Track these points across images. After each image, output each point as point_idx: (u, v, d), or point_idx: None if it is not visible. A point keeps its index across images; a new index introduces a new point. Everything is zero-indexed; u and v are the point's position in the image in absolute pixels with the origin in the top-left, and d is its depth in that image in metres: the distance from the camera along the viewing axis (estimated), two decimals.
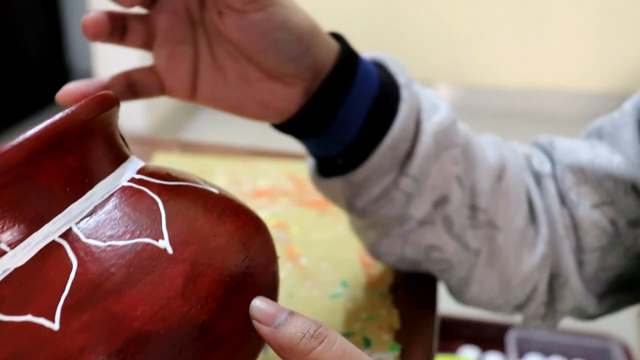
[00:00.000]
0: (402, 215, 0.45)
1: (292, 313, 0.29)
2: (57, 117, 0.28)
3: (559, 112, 2.89)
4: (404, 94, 0.43)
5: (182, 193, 0.31)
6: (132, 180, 0.31)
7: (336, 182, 0.44)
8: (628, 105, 0.47)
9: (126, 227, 0.28)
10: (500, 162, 0.48)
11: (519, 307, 0.52)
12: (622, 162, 0.46)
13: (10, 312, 0.26)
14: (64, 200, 0.28)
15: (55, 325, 0.25)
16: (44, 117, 0.31)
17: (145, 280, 0.26)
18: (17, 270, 0.27)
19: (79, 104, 0.29)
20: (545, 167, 0.51)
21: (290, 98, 0.41)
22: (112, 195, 0.29)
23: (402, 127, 0.42)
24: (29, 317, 0.26)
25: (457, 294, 0.52)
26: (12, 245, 0.27)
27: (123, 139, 0.33)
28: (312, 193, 0.68)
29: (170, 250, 0.28)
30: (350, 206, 0.45)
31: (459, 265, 0.48)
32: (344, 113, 0.41)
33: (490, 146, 0.50)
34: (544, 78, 2.88)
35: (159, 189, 0.30)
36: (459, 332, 1.32)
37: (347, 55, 0.41)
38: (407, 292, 0.53)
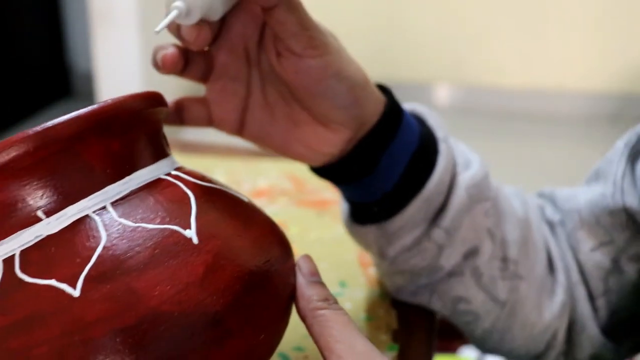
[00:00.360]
0: (433, 265, 0.46)
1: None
2: (109, 101, 0.30)
3: (559, 112, 2.89)
4: (442, 148, 0.44)
5: (214, 194, 0.33)
6: (170, 174, 0.32)
7: (370, 230, 0.45)
8: (620, 143, 0.48)
9: (157, 213, 0.29)
10: (525, 212, 0.50)
11: (538, 357, 0.52)
12: (614, 192, 0.47)
13: (36, 275, 0.27)
14: (103, 180, 0.30)
15: (76, 292, 0.27)
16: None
17: (168, 263, 0.28)
18: (48, 237, 0.28)
19: (132, 94, 0.31)
20: (556, 216, 0.52)
21: (334, 143, 0.42)
22: (148, 184, 0.31)
23: (439, 181, 0.43)
24: (52, 282, 0.27)
25: (479, 344, 0.52)
26: (48, 214, 0.29)
27: (165, 139, 0.35)
28: (311, 193, 0.68)
29: (195, 240, 0.29)
30: (382, 254, 0.46)
31: (485, 317, 0.48)
32: (386, 162, 0.42)
33: (515, 197, 0.51)
34: (544, 78, 2.88)
35: (193, 187, 0.32)
36: (459, 332, 1.32)
37: (393, 108, 0.43)
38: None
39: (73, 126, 0.29)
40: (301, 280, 0.34)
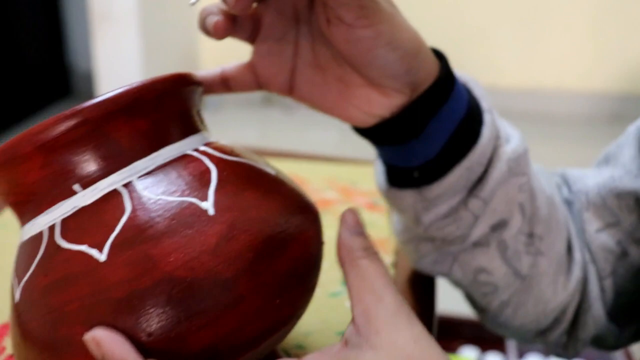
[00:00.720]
0: (466, 235, 0.46)
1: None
2: (135, 84, 0.32)
3: (559, 112, 2.89)
4: (487, 119, 0.44)
5: (237, 168, 0.35)
6: (196, 150, 0.35)
7: (408, 195, 0.44)
8: (631, 127, 0.48)
9: (178, 186, 0.32)
10: (550, 190, 0.50)
11: (543, 333, 0.52)
12: (623, 175, 0.47)
13: (72, 241, 0.31)
14: (131, 157, 0.33)
15: (103, 257, 0.30)
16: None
17: (183, 232, 0.30)
18: (83, 208, 0.32)
19: (157, 77, 0.33)
20: (569, 195, 0.53)
21: (387, 106, 0.41)
22: (174, 160, 0.33)
23: (481, 151, 0.43)
24: (84, 247, 0.31)
25: (492, 317, 0.52)
26: (83, 187, 0.32)
27: (200, 115, 0.38)
28: (313, 192, 0.68)
29: (211, 212, 0.31)
30: (418, 219, 0.45)
31: (504, 289, 0.48)
32: (433, 128, 0.42)
33: (541, 174, 0.51)
34: (544, 78, 2.88)
35: (218, 161, 0.34)
36: (458, 332, 1.32)
37: (446, 75, 0.42)
38: (406, 292, 0.53)
39: (100, 108, 0.31)
40: (344, 231, 0.34)
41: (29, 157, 0.31)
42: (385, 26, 0.37)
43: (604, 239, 0.49)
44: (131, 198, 0.31)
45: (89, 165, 0.32)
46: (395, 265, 0.58)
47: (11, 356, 0.45)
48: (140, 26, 2.29)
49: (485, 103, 0.45)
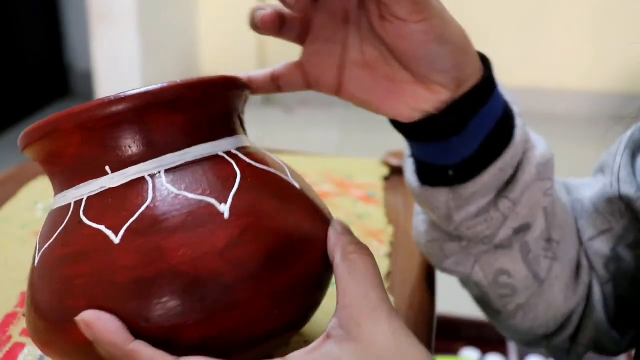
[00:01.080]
0: (495, 235, 0.46)
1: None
2: (179, 81, 0.34)
3: (559, 112, 2.89)
4: (518, 122, 0.45)
5: (263, 176, 0.35)
6: (227, 152, 0.35)
7: (442, 193, 0.45)
8: (623, 136, 0.50)
9: (201, 185, 0.33)
10: (567, 197, 0.51)
11: (548, 337, 0.52)
12: (614, 181, 0.48)
13: (93, 219, 0.32)
14: (163, 149, 0.34)
15: (117, 240, 0.31)
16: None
17: (195, 231, 0.31)
18: (110, 190, 0.33)
19: (204, 77, 0.35)
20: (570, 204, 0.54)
21: (432, 102, 0.41)
22: (204, 158, 0.34)
23: (514, 152, 0.44)
24: (102, 228, 0.32)
25: (505, 319, 0.52)
26: (113, 170, 0.33)
27: (241, 120, 0.39)
28: (311, 185, 0.68)
29: (227, 215, 0.32)
30: (450, 217, 0.46)
31: (522, 292, 0.49)
32: (474, 126, 0.42)
33: (557, 183, 0.52)
34: (544, 77, 2.88)
35: (245, 166, 0.35)
36: (459, 333, 1.32)
37: (489, 76, 0.43)
38: (405, 290, 0.53)
39: (142, 98, 0.33)
40: (332, 234, 0.36)
41: (69, 133, 0.33)
42: (436, 21, 0.38)
43: (598, 246, 0.50)
44: (154, 188, 0.32)
45: (123, 150, 0.33)
46: (390, 255, 0.58)
47: (18, 344, 0.46)
48: (140, 26, 2.29)
49: (516, 108, 0.46)
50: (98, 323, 0.30)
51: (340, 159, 0.80)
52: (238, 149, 0.36)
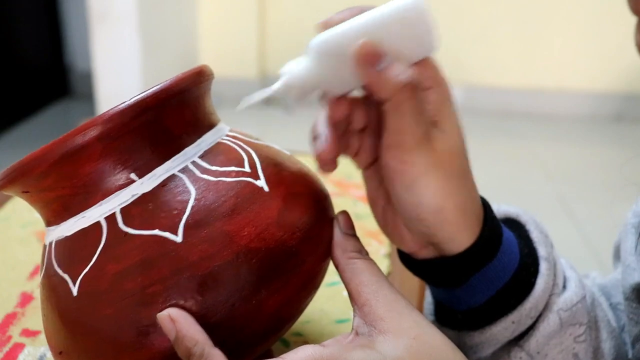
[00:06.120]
0: None
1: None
2: (181, 75, 0.34)
3: (560, 112, 2.88)
4: (542, 268, 0.41)
5: (267, 150, 0.38)
6: (228, 136, 0.37)
7: (449, 335, 0.41)
8: (629, 214, 0.46)
9: (231, 168, 0.34)
10: (614, 318, 0.47)
11: None
12: (624, 270, 0.44)
13: (140, 227, 0.32)
14: (182, 144, 0.34)
15: (179, 239, 0.31)
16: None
17: (249, 208, 0.33)
18: (144, 195, 0.33)
19: (200, 69, 0.35)
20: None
21: (412, 249, 0.40)
22: (215, 145, 0.36)
23: (533, 304, 0.40)
24: (156, 232, 0.32)
25: None
26: (140, 175, 0.33)
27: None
28: None
29: (266, 189, 0.34)
30: None
31: None
32: (477, 282, 0.39)
33: (604, 301, 0.48)
34: (544, 78, 2.87)
35: (249, 144, 0.37)
36: None
37: (488, 236, 0.39)
38: (405, 290, 0.53)
39: (159, 96, 0.33)
40: (338, 232, 0.36)
41: (88, 147, 0.32)
42: (413, 169, 0.36)
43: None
44: (192, 182, 0.33)
45: (145, 153, 0.33)
46: (390, 255, 0.58)
47: (18, 344, 0.46)
48: (140, 26, 2.28)
49: (543, 249, 0.42)
50: (183, 319, 0.31)
51: (339, 158, 0.79)
52: (230, 133, 0.38)
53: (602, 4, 2.69)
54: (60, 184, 0.33)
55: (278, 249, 0.33)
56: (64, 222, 0.34)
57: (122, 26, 2.27)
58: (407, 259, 0.42)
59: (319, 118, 0.38)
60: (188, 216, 0.32)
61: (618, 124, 2.81)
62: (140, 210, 0.32)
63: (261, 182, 0.34)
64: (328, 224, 0.37)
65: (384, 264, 0.55)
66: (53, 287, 0.34)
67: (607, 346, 0.45)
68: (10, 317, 0.49)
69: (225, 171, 0.34)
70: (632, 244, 0.44)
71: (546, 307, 0.41)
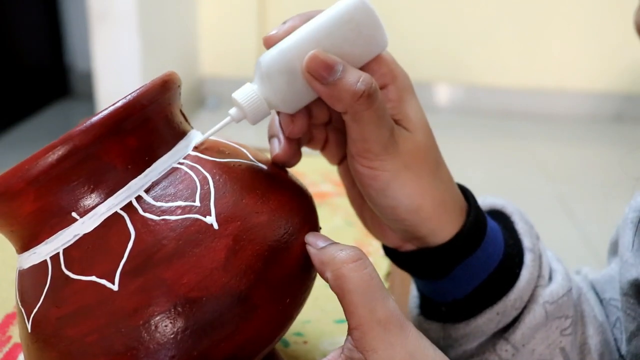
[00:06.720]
0: None
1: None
2: (119, 103, 0.31)
3: (560, 112, 2.88)
4: (527, 259, 0.41)
5: (232, 170, 0.34)
6: (188, 157, 0.33)
7: (433, 328, 0.42)
8: (626, 209, 0.46)
9: (178, 203, 0.31)
10: (601, 313, 0.47)
11: None
12: (622, 265, 0.44)
13: (79, 272, 0.30)
14: (126, 177, 0.31)
15: (115, 287, 0.29)
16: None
17: (192, 252, 0.30)
18: (85, 236, 0.31)
19: (140, 90, 0.31)
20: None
21: (393, 242, 0.40)
22: (169, 172, 0.32)
23: (518, 295, 0.40)
24: (93, 278, 0.30)
25: None
26: (82, 214, 0.31)
27: (183, 114, 0.36)
28: (309, 185, 0.68)
29: (215, 226, 0.31)
30: (443, 350, 0.43)
31: None
32: (460, 273, 0.39)
33: (592, 296, 0.48)
34: (544, 78, 2.87)
35: (212, 166, 0.33)
36: None
37: (472, 227, 0.39)
38: (405, 290, 0.53)
39: (89, 134, 0.30)
40: (312, 252, 0.33)
41: (20, 193, 0.30)
42: (386, 174, 0.36)
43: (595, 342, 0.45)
44: (133, 221, 0.30)
45: (85, 191, 0.31)
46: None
47: (18, 344, 0.46)
48: (140, 26, 2.28)
49: (528, 240, 0.42)
50: None
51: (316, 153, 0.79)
52: (195, 149, 0.34)
53: (602, 4, 2.69)
54: (7, 221, 0.32)
55: (223, 296, 0.29)
56: (22, 254, 0.33)
57: (122, 26, 2.27)
58: (391, 252, 0.42)
59: (275, 117, 0.38)
60: (125, 262, 0.30)
61: (618, 124, 2.81)
62: (80, 254, 0.30)
63: (210, 219, 0.31)
64: (296, 254, 0.33)
65: (383, 264, 0.55)
66: (19, 314, 0.33)
67: (593, 342, 0.44)
68: (10, 317, 0.49)
69: (169, 208, 0.31)
70: (629, 239, 0.44)
71: (531, 299, 0.41)
